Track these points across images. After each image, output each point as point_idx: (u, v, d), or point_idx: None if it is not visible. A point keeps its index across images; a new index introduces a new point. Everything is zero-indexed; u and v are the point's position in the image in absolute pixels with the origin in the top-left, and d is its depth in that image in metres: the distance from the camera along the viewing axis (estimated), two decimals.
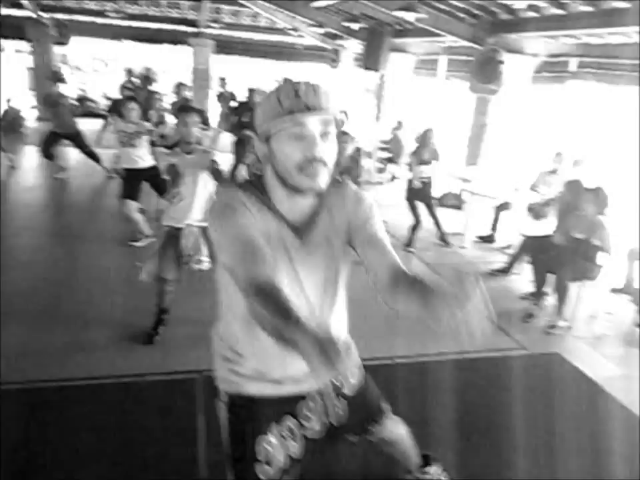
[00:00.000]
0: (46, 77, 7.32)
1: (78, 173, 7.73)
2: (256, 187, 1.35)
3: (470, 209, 6.23)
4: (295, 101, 1.21)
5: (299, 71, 14.33)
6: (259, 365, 1.45)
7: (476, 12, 6.68)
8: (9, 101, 10.88)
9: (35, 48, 11.99)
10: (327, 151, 1.25)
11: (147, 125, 5.19)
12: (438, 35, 7.38)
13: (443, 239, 6.04)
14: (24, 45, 13.61)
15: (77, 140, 7.19)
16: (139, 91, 10.46)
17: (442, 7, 6.65)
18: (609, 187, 4.35)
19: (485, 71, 6.24)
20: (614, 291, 4.98)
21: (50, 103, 7.06)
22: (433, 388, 3.20)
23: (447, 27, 6.81)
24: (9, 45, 19.19)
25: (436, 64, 9.64)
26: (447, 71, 9.53)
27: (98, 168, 7.52)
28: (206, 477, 2.34)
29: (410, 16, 5.59)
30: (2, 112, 10.87)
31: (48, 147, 7.15)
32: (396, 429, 1.92)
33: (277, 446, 1.45)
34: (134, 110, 4.98)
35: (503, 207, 6.17)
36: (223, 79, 10.29)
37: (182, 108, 3.33)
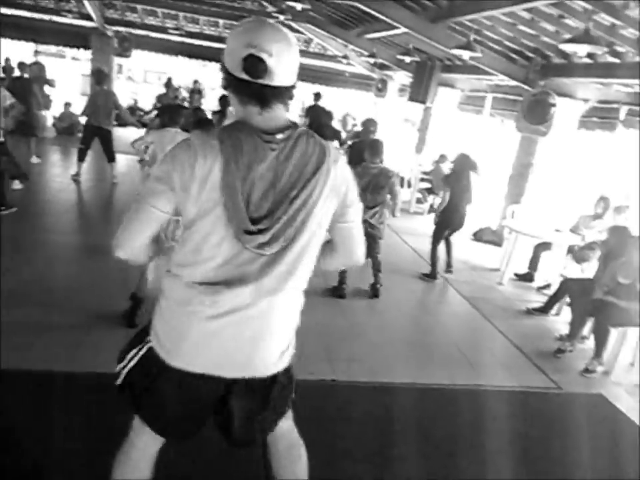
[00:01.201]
0: (91, 76, 7.55)
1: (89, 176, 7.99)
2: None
3: (509, 246, 6.27)
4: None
5: (344, 97, 14.68)
6: None
7: (529, 54, 6.81)
8: (66, 105, 11.47)
9: (95, 57, 12.56)
10: None
11: None
12: (487, 73, 7.52)
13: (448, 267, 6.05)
14: (83, 54, 14.31)
15: (106, 137, 7.43)
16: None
17: (496, 47, 6.81)
18: None
19: (534, 112, 6.34)
20: None
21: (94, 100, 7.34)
22: (472, 417, 3.27)
23: (500, 67, 6.95)
24: (69, 52, 20.23)
25: (481, 100, 9.77)
26: (492, 109, 9.64)
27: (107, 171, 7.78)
28: None
29: (465, 54, 5.75)
30: (58, 115, 11.44)
31: (87, 142, 7.42)
32: None
33: None
34: None
35: (543, 246, 6.20)
36: None
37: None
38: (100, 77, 7.44)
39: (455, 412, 3.33)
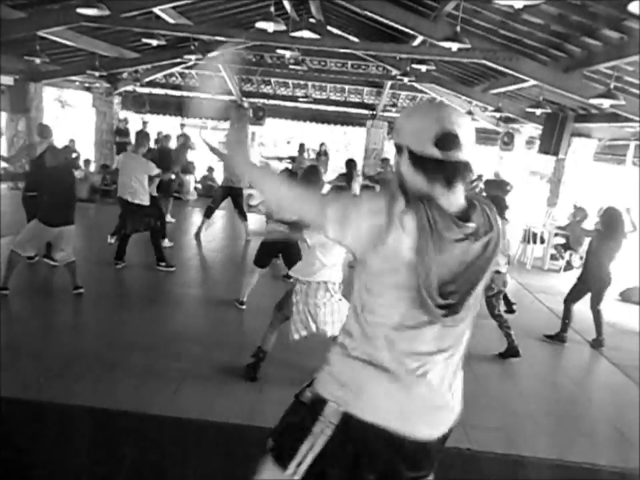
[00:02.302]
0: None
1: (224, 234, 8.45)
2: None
3: None
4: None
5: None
6: None
7: None
8: (208, 169, 12.60)
9: (232, 127, 13.79)
10: None
11: None
12: (630, 120, 7.00)
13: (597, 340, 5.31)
14: (222, 124, 15.78)
15: (237, 196, 7.93)
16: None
17: None
18: None
19: None
20: None
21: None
22: None
23: None
24: (210, 123, 22.48)
25: (623, 149, 9.09)
26: (636, 157, 8.91)
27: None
28: None
29: (606, 102, 5.42)
30: (199, 179, 12.58)
31: (216, 203, 7.99)
32: None
33: None
34: None
35: None
36: (386, 160, 10.82)
37: None
38: None
39: None
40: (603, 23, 4.95)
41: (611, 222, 5.22)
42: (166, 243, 7.08)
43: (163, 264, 6.19)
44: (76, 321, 4.85)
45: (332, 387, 1.49)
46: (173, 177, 7.94)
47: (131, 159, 5.99)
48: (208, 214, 8.03)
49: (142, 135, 6.43)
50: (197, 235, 8.08)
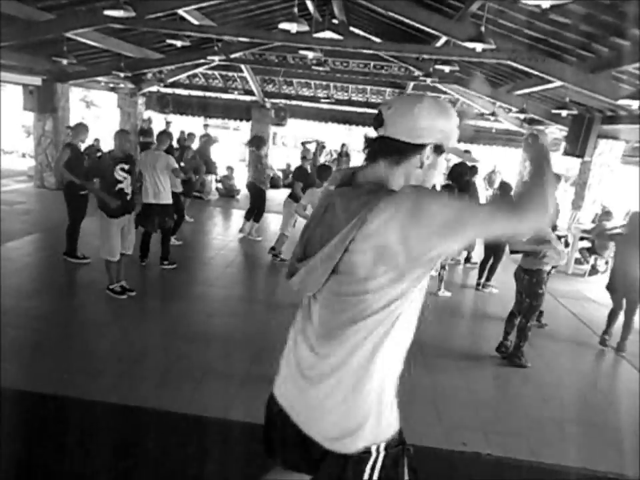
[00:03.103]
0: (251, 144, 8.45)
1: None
2: None
3: None
4: None
5: (492, 155, 14.39)
6: None
7: None
8: (228, 169, 12.69)
9: (254, 127, 13.85)
10: None
11: None
12: None
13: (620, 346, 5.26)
14: (243, 125, 15.85)
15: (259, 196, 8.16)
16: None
17: None
18: None
19: None
20: None
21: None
22: None
23: None
24: (231, 124, 22.60)
25: None
26: None
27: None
28: None
29: (635, 104, 5.30)
30: (220, 179, 12.67)
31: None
32: None
33: None
34: None
35: None
36: None
37: None
38: (256, 143, 8.25)
39: None
40: (632, 23, 4.83)
41: (636, 228, 5.12)
42: (173, 241, 7.16)
43: (166, 262, 6.34)
44: (98, 318, 4.92)
45: None
46: (194, 177, 8.06)
47: (153, 155, 6.05)
48: (257, 219, 8.35)
49: (163, 134, 6.52)
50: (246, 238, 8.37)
